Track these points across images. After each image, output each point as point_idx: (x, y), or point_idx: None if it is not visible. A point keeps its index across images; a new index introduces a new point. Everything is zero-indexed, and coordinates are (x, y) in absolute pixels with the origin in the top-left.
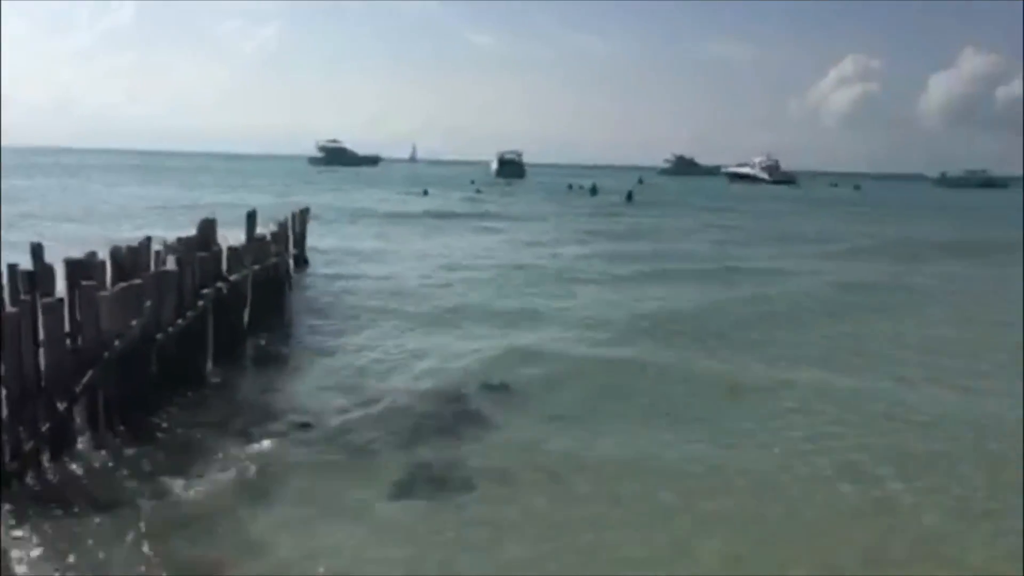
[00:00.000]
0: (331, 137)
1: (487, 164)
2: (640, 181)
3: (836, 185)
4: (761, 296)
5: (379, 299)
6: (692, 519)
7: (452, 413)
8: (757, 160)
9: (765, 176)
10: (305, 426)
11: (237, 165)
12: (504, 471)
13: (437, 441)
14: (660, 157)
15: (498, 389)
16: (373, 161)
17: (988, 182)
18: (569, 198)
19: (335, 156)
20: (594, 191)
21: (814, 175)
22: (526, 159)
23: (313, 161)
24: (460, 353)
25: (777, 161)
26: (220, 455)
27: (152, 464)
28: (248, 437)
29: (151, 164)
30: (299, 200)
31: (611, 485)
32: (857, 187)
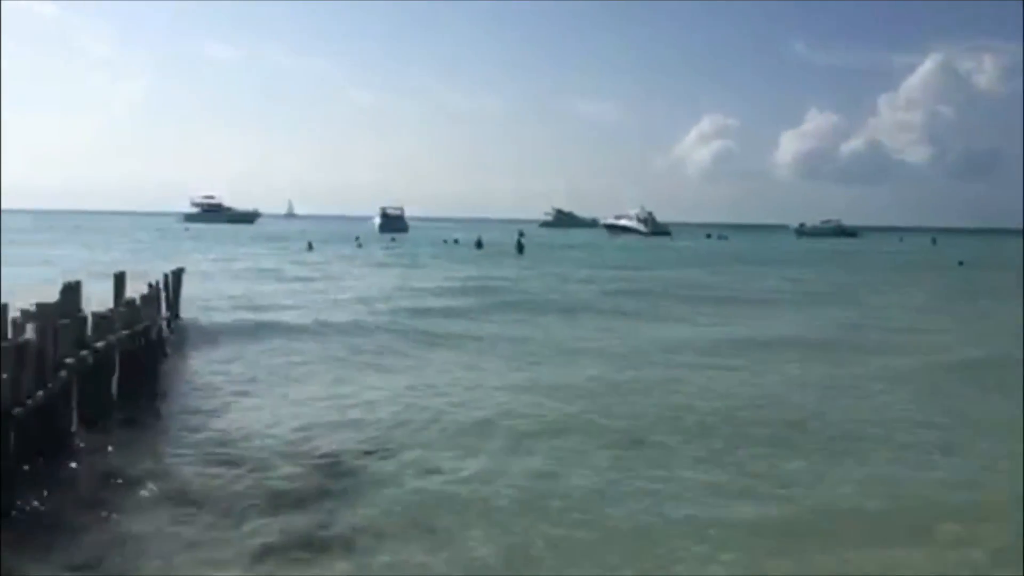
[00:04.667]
0: (206, 193)
1: (369, 219)
2: (521, 234)
3: (709, 236)
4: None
5: (257, 366)
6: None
7: (325, 476)
8: (633, 212)
9: (642, 228)
10: (178, 497)
11: (104, 223)
12: (377, 526)
13: (310, 503)
14: (537, 210)
15: (373, 454)
16: (251, 218)
17: (841, 231)
18: (455, 251)
19: (210, 212)
20: (479, 245)
21: (682, 226)
22: (407, 213)
23: (188, 218)
24: (336, 419)
25: (651, 213)
26: (81, 531)
27: (10, 545)
28: (112, 511)
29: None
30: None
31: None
32: (724, 237)
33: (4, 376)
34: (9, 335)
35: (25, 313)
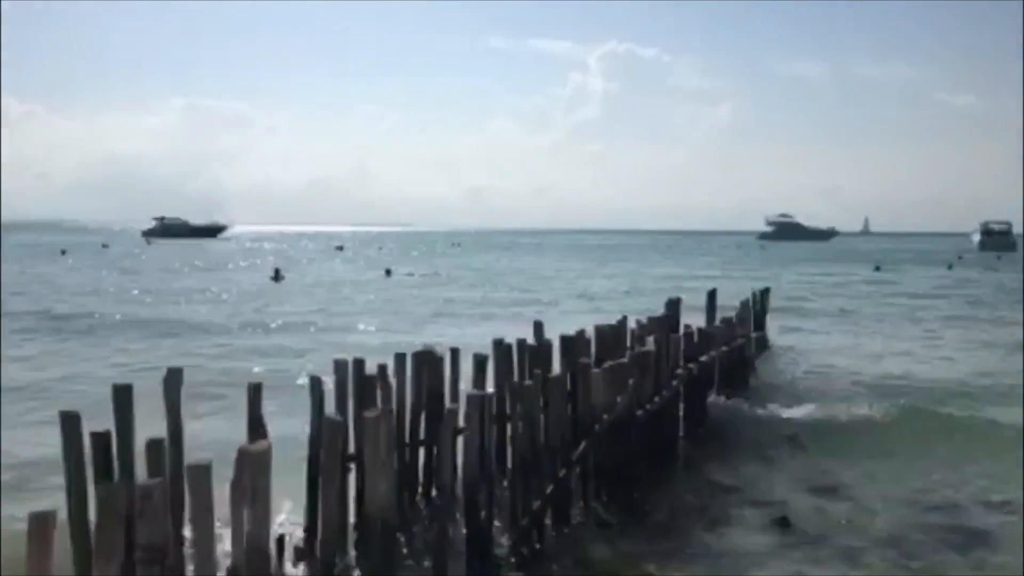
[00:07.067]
0: (782, 211)
1: (963, 236)
2: None
3: None
4: None
5: (855, 393)
6: None
7: (950, 530)
8: None
9: None
10: (782, 522)
11: (688, 242)
12: None
13: (934, 560)
14: None
15: (1008, 508)
16: (827, 235)
17: None
18: None
19: (785, 230)
20: None
21: None
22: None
23: (763, 236)
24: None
25: None
26: (693, 542)
27: (630, 540)
28: (720, 526)
29: (609, 243)
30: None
31: None
32: None
33: (631, 381)
34: (628, 344)
35: (641, 325)
